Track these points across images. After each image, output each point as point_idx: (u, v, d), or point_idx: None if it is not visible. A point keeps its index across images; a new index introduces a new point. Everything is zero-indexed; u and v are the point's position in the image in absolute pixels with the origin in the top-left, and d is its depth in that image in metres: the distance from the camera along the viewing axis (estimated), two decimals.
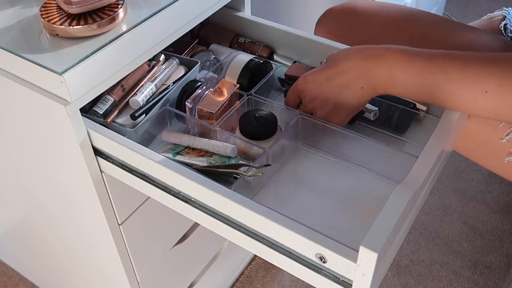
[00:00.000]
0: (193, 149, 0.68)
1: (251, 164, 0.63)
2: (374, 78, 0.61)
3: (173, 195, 0.61)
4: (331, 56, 0.67)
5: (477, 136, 0.76)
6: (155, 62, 0.76)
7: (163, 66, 0.76)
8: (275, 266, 0.57)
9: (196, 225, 0.96)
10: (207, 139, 0.68)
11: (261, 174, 0.63)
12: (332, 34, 0.87)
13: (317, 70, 0.66)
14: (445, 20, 0.90)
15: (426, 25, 0.88)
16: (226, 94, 0.72)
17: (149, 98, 0.73)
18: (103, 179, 0.70)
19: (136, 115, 0.70)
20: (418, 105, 0.74)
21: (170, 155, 0.66)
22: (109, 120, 0.69)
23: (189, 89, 0.74)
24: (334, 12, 0.97)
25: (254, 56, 0.82)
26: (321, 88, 0.64)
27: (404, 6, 0.95)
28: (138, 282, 0.88)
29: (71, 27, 0.63)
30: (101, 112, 0.70)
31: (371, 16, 0.93)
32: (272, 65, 0.82)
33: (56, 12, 0.65)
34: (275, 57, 0.86)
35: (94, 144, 0.66)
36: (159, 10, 0.68)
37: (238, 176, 0.62)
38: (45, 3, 0.68)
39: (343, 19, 0.95)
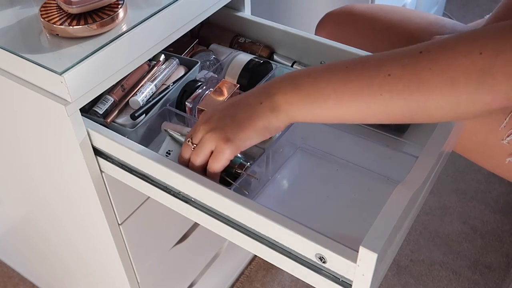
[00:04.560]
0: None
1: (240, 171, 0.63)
2: (273, 91, 0.55)
3: (173, 195, 0.61)
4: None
5: (474, 136, 0.76)
6: (155, 62, 0.76)
7: (163, 66, 0.76)
8: (275, 266, 0.57)
9: (196, 225, 0.96)
10: None
11: (257, 179, 0.63)
12: (331, 37, 0.87)
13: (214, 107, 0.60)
14: (444, 21, 0.90)
15: (422, 26, 0.88)
16: (226, 94, 0.72)
17: (149, 98, 0.73)
18: (103, 179, 0.70)
19: (136, 115, 0.70)
20: None
21: (178, 136, 0.66)
22: (109, 120, 0.69)
23: (189, 89, 0.74)
24: (333, 16, 0.98)
25: (254, 56, 0.82)
26: (220, 107, 0.58)
27: (402, 8, 0.96)
28: (138, 282, 0.88)
29: (71, 27, 0.63)
30: (101, 112, 0.70)
31: (369, 19, 0.93)
32: (272, 65, 0.82)
33: (56, 12, 0.65)
34: (275, 57, 0.86)
35: (94, 144, 0.66)
36: (159, 10, 0.68)
37: (239, 171, 0.62)
38: (45, 3, 0.68)
39: (342, 23, 0.96)
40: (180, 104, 0.74)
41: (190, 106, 0.72)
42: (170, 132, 0.67)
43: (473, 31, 0.47)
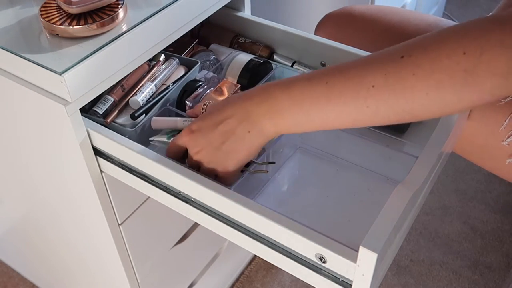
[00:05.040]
0: None
1: (253, 160, 0.62)
2: (257, 118, 0.55)
3: (173, 195, 0.61)
4: (216, 103, 0.62)
5: (475, 138, 0.76)
6: (155, 62, 0.76)
7: (163, 66, 0.76)
8: (275, 266, 0.57)
9: (196, 225, 0.96)
10: None
11: (266, 172, 0.63)
12: (331, 38, 0.87)
13: (203, 117, 0.59)
14: (443, 22, 0.90)
15: (421, 28, 0.88)
16: (226, 94, 0.72)
17: (149, 98, 0.73)
18: (103, 179, 0.70)
19: (136, 115, 0.70)
20: None
21: (165, 139, 0.66)
22: (109, 120, 0.69)
23: (189, 89, 0.74)
24: (332, 17, 0.98)
25: (254, 56, 0.82)
26: (207, 137, 0.58)
27: (401, 9, 0.96)
28: (138, 282, 0.88)
29: (71, 27, 0.63)
30: (101, 112, 0.70)
31: (368, 20, 0.93)
32: (272, 65, 0.82)
33: (56, 12, 0.65)
34: (275, 57, 0.86)
35: (94, 144, 0.66)
36: (159, 10, 0.68)
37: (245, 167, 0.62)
38: (45, 3, 0.68)
39: (341, 24, 0.96)
40: (180, 104, 0.74)
41: (191, 105, 0.72)
42: (157, 140, 0.68)
43: (456, 29, 0.46)
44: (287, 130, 0.55)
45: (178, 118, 0.68)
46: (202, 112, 0.65)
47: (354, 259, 0.48)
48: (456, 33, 0.46)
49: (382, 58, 0.49)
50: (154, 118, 0.69)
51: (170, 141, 0.65)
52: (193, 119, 0.67)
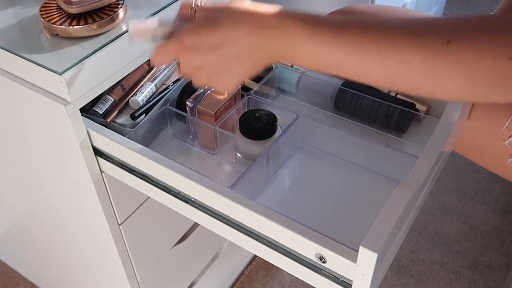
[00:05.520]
0: None
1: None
2: (273, 51, 0.50)
3: (173, 195, 0.61)
4: (209, 10, 0.52)
5: (475, 138, 0.76)
6: None
7: (163, 66, 0.76)
8: (275, 266, 0.57)
9: (196, 225, 0.96)
10: None
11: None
12: None
13: (197, 31, 0.51)
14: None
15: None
16: (226, 95, 0.72)
17: (149, 98, 0.73)
18: (103, 179, 0.70)
19: (136, 115, 0.70)
20: (418, 106, 0.74)
21: (149, 39, 0.55)
22: (109, 120, 0.69)
23: (189, 89, 0.74)
24: None
25: None
26: (205, 57, 0.52)
27: (401, 9, 0.96)
28: (138, 282, 0.88)
29: (71, 27, 0.63)
30: (101, 112, 0.70)
31: None
32: (272, 65, 0.82)
33: (56, 12, 0.65)
34: None
35: (94, 144, 0.66)
36: (159, 10, 0.68)
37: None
38: (45, 3, 0.68)
39: None
40: (180, 104, 0.74)
41: (191, 105, 0.72)
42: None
43: (508, 27, 0.45)
44: (302, 67, 0.53)
45: (167, 20, 0.56)
46: (193, 14, 0.56)
47: (354, 259, 0.48)
48: (508, 34, 0.44)
49: (426, 36, 0.47)
50: (131, 27, 0.55)
51: (155, 43, 0.55)
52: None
